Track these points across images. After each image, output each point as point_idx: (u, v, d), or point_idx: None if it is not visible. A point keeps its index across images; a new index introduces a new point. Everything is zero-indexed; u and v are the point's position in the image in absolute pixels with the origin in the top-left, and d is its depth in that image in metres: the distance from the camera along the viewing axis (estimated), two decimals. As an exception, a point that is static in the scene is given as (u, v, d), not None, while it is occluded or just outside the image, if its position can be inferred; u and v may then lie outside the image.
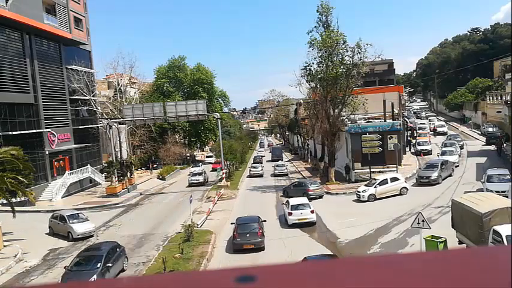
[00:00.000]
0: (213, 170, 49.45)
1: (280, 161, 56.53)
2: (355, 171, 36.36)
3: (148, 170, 55.39)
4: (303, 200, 25.58)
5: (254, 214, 23.10)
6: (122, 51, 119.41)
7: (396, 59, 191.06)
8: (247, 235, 19.76)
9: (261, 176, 47.21)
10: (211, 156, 68.63)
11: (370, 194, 28.57)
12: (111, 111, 46.65)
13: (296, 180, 38.17)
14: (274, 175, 46.81)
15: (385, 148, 35.49)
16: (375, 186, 28.84)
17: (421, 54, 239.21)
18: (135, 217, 30.49)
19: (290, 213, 24.17)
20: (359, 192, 29.23)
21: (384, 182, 29.01)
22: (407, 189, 29.16)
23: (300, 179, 38.74)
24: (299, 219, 23.72)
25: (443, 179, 31.31)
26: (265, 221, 22.39)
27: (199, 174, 45.86)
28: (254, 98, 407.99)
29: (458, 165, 35.93)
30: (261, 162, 54.93)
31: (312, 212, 24.08)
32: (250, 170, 50.28)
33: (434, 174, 31.00)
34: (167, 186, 45.86)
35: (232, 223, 22.06)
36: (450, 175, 32.66)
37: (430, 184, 30.43)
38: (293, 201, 25.18)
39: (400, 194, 28.82)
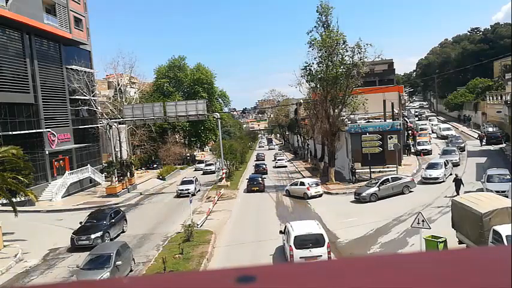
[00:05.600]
0: None
1: (271, 143, 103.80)
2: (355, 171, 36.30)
3: (141, 170, 54.38)
4: (283, 162, 57.58)
5: (254, 214, 25.19)
6: (122, 51, 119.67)
7: (396, 59, 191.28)
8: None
9: (263, 147, 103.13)
10: (211, 164, 56.22)
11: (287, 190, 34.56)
12: (111, 111, 46.62)
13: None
14: (268, 149, 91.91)
15: (385, 148, 35.49)
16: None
17: (421, 54, 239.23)
18: (135, 217, 30.47)
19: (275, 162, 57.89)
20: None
21: (298, 183, 33.98)
22: (321, 194, 32.25)
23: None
24: (278, 166, 54.45)
25: (379, 198, 28.37)
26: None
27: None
28: (254, 98, 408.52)
29: (443, 181, 31.01)
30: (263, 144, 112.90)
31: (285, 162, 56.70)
32: (258, 146, 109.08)
33: (366, 192, 28.78)
34: (167, 186, 45.80)
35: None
36: (402, 193, 29.00)
37: (360, 202, 28.56)
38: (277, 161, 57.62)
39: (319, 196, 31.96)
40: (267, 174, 47.48)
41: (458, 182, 27.60)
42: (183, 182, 38.26)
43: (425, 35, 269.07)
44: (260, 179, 38.06)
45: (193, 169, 59.35)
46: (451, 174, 31.27)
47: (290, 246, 16.39)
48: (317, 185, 32.81)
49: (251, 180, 38.21)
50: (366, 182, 31.49)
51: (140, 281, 0.98)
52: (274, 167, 55.27)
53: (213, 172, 51.71)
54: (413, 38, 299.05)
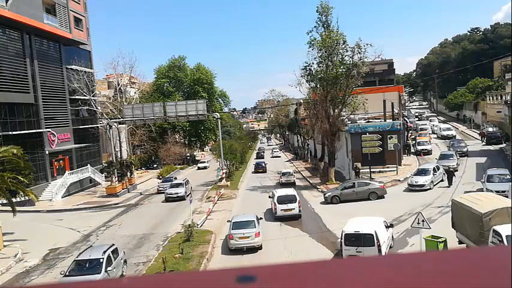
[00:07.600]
0: None
1: (269, 141, 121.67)
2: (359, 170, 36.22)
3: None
4: (278, 153, 74.55)
5: (253, 213, 25.07)
6: (122, 51, 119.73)
7: (396, 59, 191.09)
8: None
9: (264, 143, 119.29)
10: (179, 185, 36.04)
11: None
12: (111, 111, 46.61)
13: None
14: (267, 145, 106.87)
15: (385, 148, 35.48)
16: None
17: (421, 54, 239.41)
18: (135, 217, 30.47)
19: (271, 154, 74.22)
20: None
21: (279, 173, 41.51)
22: (292, 182, 38.24)
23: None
24: (274, 156, 71.31)
25: (342, 201, 28.25)
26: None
27: None
28: (254, 98, 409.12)
29: (430, 189, 29.00)
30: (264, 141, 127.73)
31: (279, 153, 74.44)
32: (260, 142, 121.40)
33: (328, 194, 29.41)
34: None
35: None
36: (368, 199, 28.11)
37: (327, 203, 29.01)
38: (273, 153, 73.96)
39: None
40: (264, 158, 64.50)
41: (450, 174, 29.23)
42: (78, 264, 16.58)
43: (425, 35, 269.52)
44: (263, 164, 53.12)
45: (156, 189, 40.86)
46: (442, 181, 30.06)
47: (275, 203, 25.22)
48: (289, 175, 39.34)
49: (257, 164, 53.47)
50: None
51: (140, 281, 0.98)
52: (271, 157, 70.79)
53: (183, 199, 33.60)
54: (413, 38, 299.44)
